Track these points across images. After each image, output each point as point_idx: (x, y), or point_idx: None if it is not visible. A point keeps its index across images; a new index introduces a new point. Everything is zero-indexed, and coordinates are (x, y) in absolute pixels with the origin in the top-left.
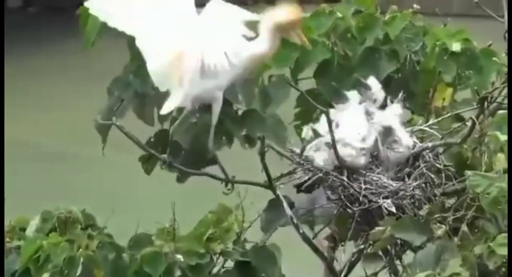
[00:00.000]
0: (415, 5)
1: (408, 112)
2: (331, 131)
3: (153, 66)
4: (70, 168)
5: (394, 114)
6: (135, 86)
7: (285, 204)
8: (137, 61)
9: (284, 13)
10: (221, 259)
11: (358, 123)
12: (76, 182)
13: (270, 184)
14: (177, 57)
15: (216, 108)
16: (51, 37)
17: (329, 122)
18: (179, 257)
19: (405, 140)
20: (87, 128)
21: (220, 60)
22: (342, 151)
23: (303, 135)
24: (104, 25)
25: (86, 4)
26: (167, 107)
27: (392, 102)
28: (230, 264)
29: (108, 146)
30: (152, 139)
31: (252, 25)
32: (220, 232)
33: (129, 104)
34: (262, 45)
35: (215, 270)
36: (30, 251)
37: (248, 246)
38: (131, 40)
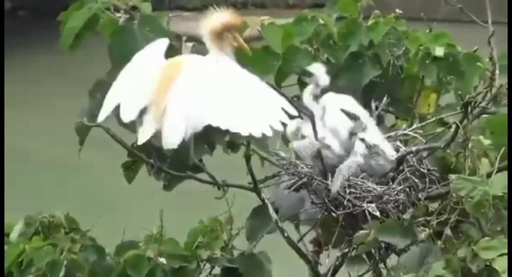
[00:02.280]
0: (397, 10)
1: (392, 116)
2: (315, 135)
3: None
4: (54, 172)
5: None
6: None
7: (270, 208)
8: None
9: (217, 19)
10: (208, 266)
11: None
12: (60, 186)
13: (255, 187)
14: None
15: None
16: (39, 40)
17: (314, 127)
18: (162, 260)
19: (388, 152)
20: (71, 131)
21: None
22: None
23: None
24: (81, 32)
25: None
26: (143, 138)
27: (376, 108)
28: (218, 271)
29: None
30: (135, 145)
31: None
32: (209, 240)
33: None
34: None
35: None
36: (13, 255)
37: (236, 253)
38: (111, 46)
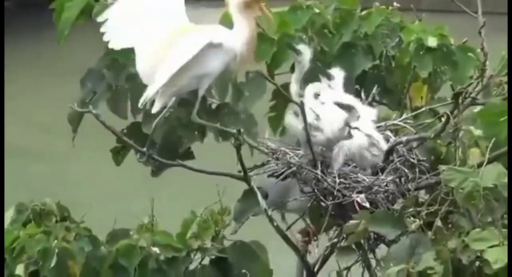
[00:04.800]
0: (395, 4)
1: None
2: (305, 124)
3: (141, 62)
4: (37, 162)
5: (370, 118)
6: (109, 79)
7: (259, 196)
8: (112, 54)
9: None
10: (199, 255)
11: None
12: (43, 176)
13: (245, 176)
14: (164, 47)
15: (201, 92)
16: (25, 32)
17: (304, 115)
18: (155, 249)
19: (382, 143)
20: (56, 122)
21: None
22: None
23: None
24: (77, 20)
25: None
26: (144, 97)
27: (366, 97)
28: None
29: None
30: (125, 131)
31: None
32: (199, 229)
33: (102, 96)
34: (243, 29)
35: (192, 266)
36: (7, 241)
37: (228, 243)
38: None
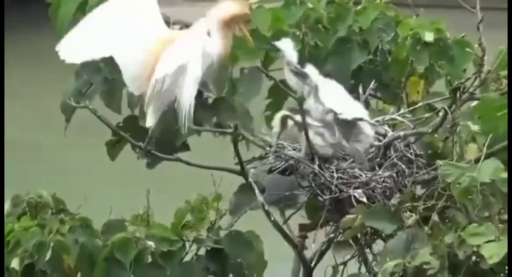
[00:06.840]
0: None
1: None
2: (303, 119)
3: (128, 72)
4: (30, 156)
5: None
6: (105, 73)
7: (256, 191)
8: None
9: (227, 10)
10: (194, 246)
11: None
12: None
13: (242, 170)
14: (151, 58)
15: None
16: (21, 27)
17: (302, 111)
18: (151, 243)
19: (368, 131)
20: (52, 116)
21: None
22: (314, 139)
23: (272, 123)
24: (76, 14)
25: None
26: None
27: (364, 92)
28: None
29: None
30: (121, 124)
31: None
32: (195, 220)
33: (98, 89)
34: (216, 45)
35: (188, 258)
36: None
37: (223, 233)
38: None
